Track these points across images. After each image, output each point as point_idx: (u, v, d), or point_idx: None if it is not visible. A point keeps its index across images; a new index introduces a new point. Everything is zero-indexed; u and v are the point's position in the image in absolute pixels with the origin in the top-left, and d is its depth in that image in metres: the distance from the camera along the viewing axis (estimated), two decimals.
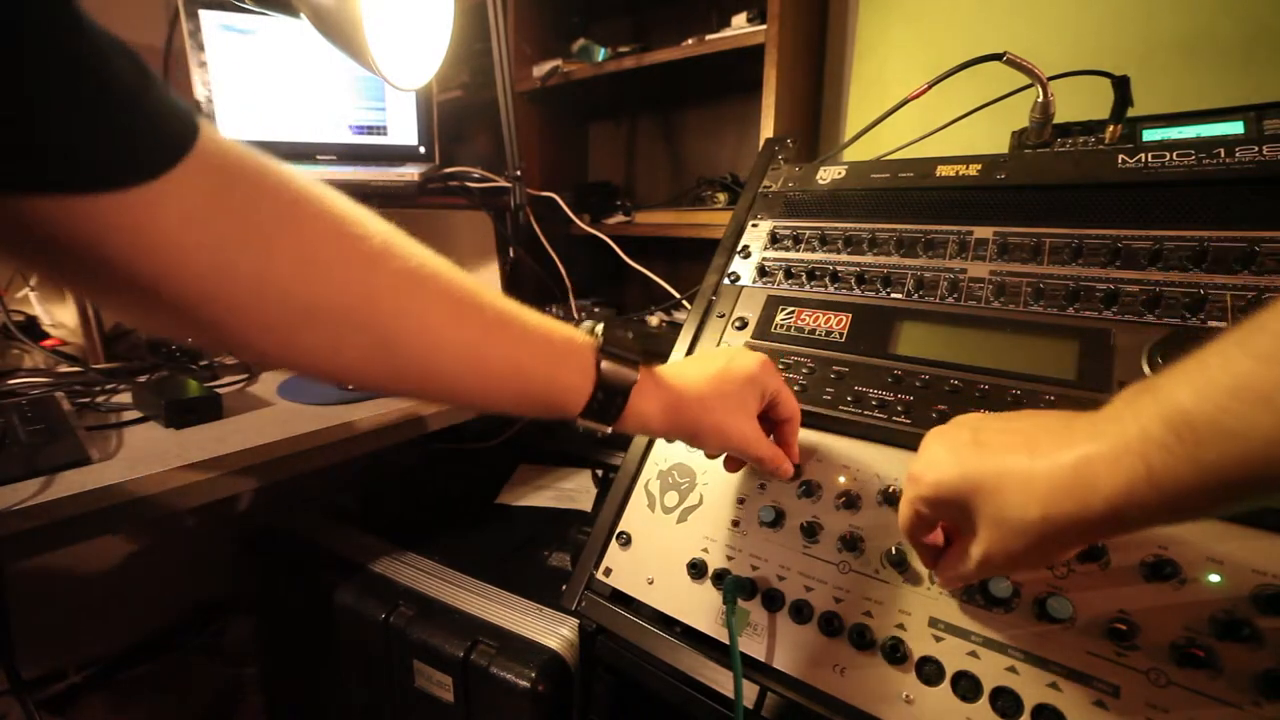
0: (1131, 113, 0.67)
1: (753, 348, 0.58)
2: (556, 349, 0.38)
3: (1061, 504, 0.29)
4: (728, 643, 0.43)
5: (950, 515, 0.36)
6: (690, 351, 0.62)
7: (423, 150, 1.18)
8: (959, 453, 0.34)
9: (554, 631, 0.66)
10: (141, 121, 0.23)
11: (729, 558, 0.49)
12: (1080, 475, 0.28)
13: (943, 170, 0.60)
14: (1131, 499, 0.27)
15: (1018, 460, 0.31)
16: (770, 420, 0.47)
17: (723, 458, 0.51)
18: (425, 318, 0.33)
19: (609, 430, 0.41)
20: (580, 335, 0.40)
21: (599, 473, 1.03)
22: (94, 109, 0.21)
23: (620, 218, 1.29)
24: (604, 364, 0.39)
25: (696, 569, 0.49)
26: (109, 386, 0.78)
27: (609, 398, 0.39)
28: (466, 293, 0.35)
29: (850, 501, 0.46)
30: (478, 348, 0.35)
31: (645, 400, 0.41)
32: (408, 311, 0.32)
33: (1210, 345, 0.25)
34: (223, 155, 0.26)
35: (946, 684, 0.38)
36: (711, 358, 0.46)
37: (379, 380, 0.34)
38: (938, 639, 0.40)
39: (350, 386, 0.39)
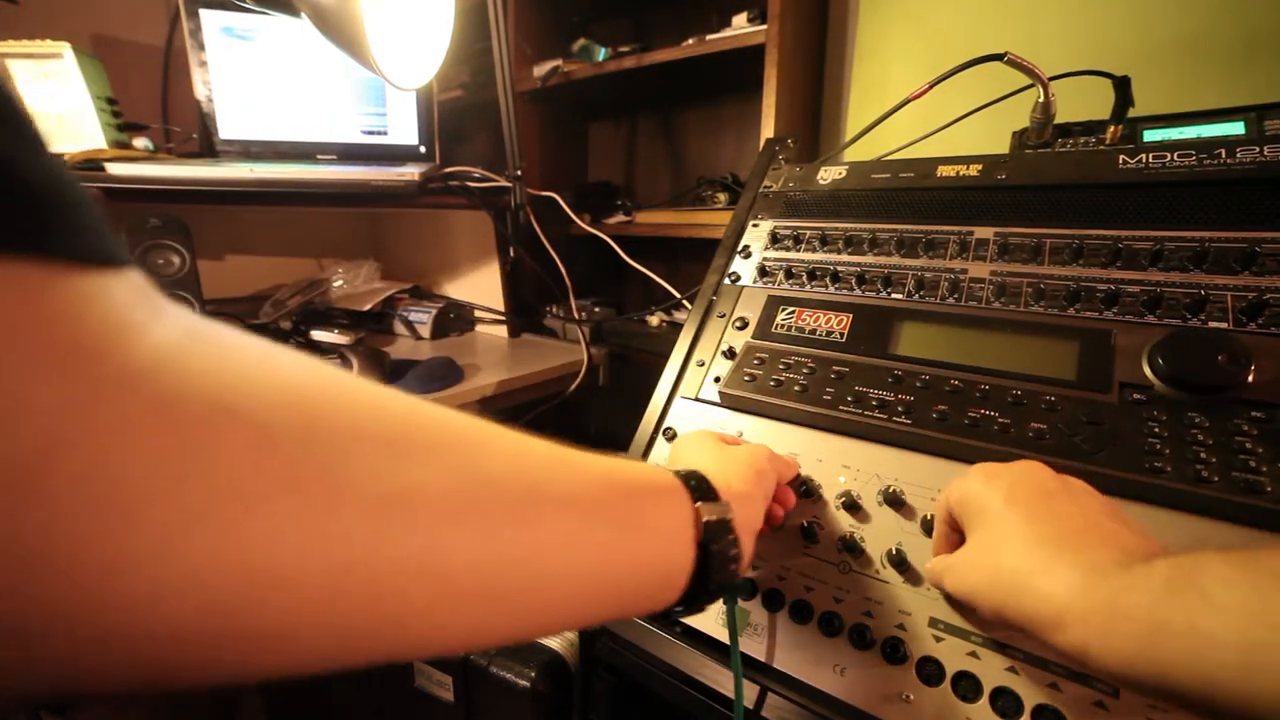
0: (1132, 113, 0.67)
1: (753, 348, 0.58)
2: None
3: (1038, 580, 0.29)
4: (728, 643, 0.43)
5: (965, 520, 0.36)
6: (690, 350, 0.62)
7: (423, 150, 1.18)
8: (1021, 491, 0.34)
9: None
10: (91, 208, 0.16)
11: None
12: (1071, 574, 0.28)
13: (943, 170, 0.60)
14: (1084, 620, 0.26)
15: (1050, 530, 0.31)
16: None
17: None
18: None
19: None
20: (657, 471, 0.32)
21: None
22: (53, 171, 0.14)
23: (620, 218, 1.29)
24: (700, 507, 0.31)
25: None
26: None
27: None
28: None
29: (850, 502, 0.46)
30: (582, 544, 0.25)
31: (740, 505, 0.34)
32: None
33: None
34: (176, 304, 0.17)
35: (946, 684, 0.38)
36: (679, 455, 0.44)
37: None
38: (938, 639, 0.40)
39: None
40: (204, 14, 1.00)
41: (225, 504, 0.15)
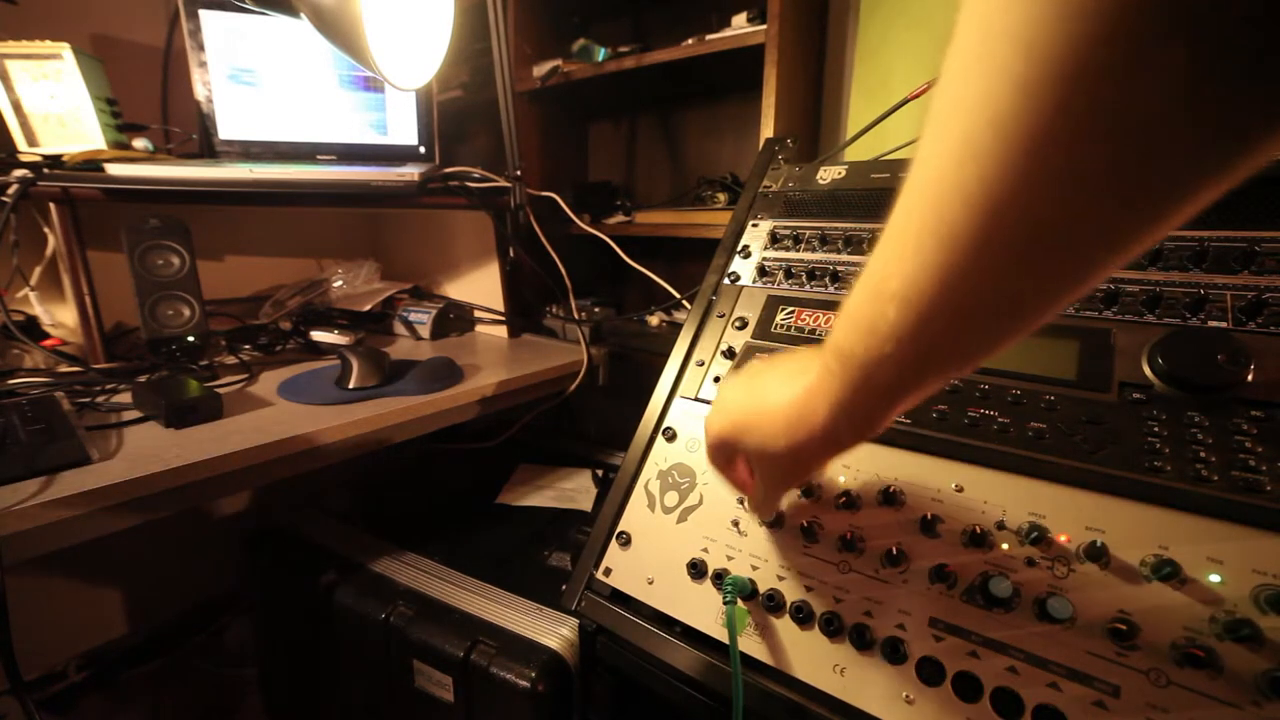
0: None
1: (752, 347, 0.58)
2: None
3: (797, 434, 0.34)
4: (728, 643, 0.43)
5: (737, 454, 0.41)
6: (690, 350, 0.62)
7: (423, 150, 1.18)
8: (729, 403, 0.40)
9: (554, 631, 0.66)
10: None
11: (729, 558, 0.49)
12: (805, 406, 0.33)
13: None
14: (831, 420, 0.32)
15: (766, 400, 0.36)
16: None
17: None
18: None
19: None
20: None
21: (599, 473, 1.03)
22: None
23: (620, 218, 1.29)
24: None
25: (696, 569, 0.49)
26: (109, 386, 0.78)
27: None
28: None
29: (850, 501, 0.46)
30: None
31: None
32: None
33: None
34: None
35: (946, 684, 0.38)
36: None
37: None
38: (938, 639, 0.40)
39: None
40: (204, 14, 1.00)
41: None
